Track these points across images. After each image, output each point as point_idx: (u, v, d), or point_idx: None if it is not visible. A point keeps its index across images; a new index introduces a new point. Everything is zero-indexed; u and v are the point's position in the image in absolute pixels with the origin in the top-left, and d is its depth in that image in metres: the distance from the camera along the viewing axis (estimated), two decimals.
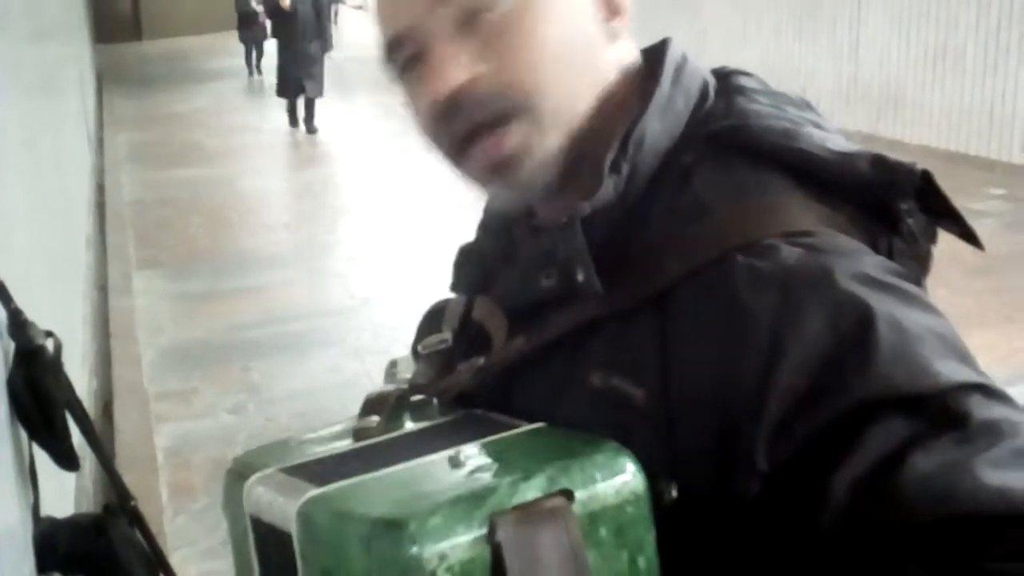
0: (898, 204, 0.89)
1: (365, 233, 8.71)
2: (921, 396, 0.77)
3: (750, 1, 12.43)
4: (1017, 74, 8.96)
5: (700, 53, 1.02)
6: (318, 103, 13.14)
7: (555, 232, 0.92)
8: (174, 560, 1.62)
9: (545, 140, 0.92)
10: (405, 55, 0.94)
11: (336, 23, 17.61)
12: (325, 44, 13.19)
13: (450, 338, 1.04)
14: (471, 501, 0.76)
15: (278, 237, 8.57)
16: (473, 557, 0.75)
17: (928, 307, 0.84)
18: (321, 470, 0.87)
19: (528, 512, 0.77)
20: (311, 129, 13.14)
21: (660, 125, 0.93)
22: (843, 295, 0.81)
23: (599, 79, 0.95)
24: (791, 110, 0.97)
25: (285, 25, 12.83)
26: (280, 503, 0.85)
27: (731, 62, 1.04)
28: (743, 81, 0.99)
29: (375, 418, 0.96)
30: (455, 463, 0.83)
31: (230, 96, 16.60)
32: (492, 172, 0.94)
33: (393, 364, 1.14)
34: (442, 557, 0.74)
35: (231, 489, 0.92)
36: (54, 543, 1.31)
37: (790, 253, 0.83)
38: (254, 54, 18.53)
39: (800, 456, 0.79)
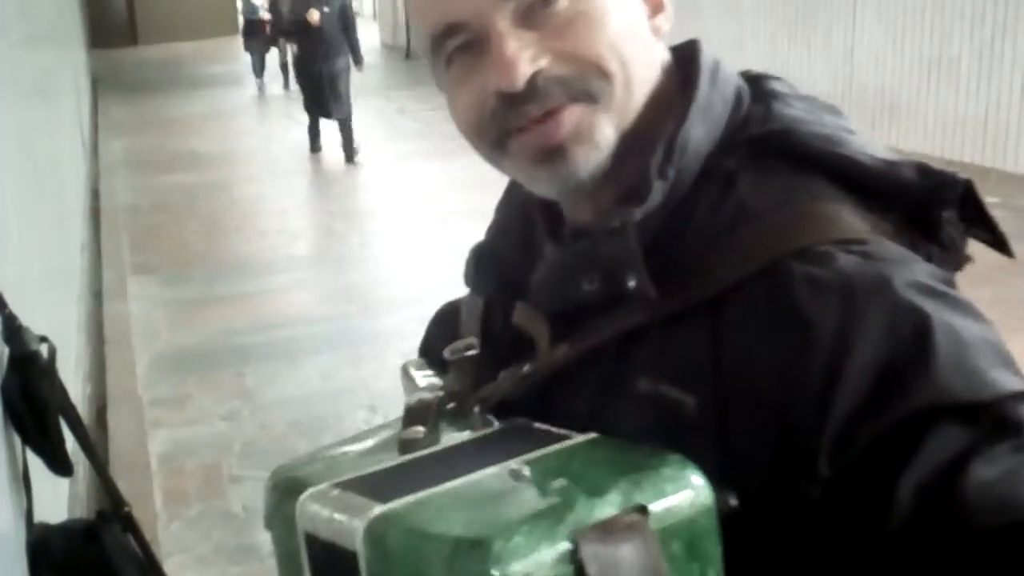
0: (940, 213, 0.89)
1: (360, 240, 8.71)
2: (978, 404, 0.78)
3: (747, 8, 12.45)
4: (1011, 83, 8.98)
5: None
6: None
7: (600, 236, 0.91)
8: (168, 567, 1.62)
9: (602, 125, 0.91)
10: (456, 44, 0.92)
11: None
12: (357, 57, 11.84)
13: (477, 343, 1.02)
14: (552, 518, 0.75)
15: (273, 243, 8.57)
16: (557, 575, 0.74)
17: (978, 315, 0.85)
18: (379, 485, 0.85)
19: (609, 529, 0.76)
20: (350, 157, 11.68)
21: (702, 129, 0.93)
22: (902, 303, 0.81)
23: (651, 73, 0.94)
24: (825, 116, 0.97)
25: (309, 40, 11.47)
26: (342, 520, 0.82)
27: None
28: (776, 85, 0.99)
29: (420, 428, 0.93)
30: (519, 477, 0.81)
31: (226, 102, 16.61)
32: (543, 158, 0.92)
33: (406, 369, 1.13)
34: None
35: (280, 505, 0.90)
36: (47, 549, 1.30)
37: (847, 260, 0.83)
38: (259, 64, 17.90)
39: (862, 461, 0.79)
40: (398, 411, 1.00)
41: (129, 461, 4.64)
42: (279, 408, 5.32)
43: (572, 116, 0.90)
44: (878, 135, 10.37)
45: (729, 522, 0.81)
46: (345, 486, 0.86)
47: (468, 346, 1.02)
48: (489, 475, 0.82)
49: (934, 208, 0.89)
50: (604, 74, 0.90)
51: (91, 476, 3.64)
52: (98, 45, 22.34)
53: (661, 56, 0.97)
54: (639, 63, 0.92)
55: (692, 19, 13.23)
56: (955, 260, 0.92)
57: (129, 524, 1.29)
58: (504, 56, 0.88)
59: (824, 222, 0.87)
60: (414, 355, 1.20)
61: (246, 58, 18.36)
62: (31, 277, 3.29)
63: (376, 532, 0.79)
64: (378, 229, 9.00)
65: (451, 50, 0.92)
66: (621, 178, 0.92)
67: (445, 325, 1.18)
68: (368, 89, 15.90)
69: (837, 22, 10.99)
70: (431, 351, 1.16)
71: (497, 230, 1.12)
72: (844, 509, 0.80)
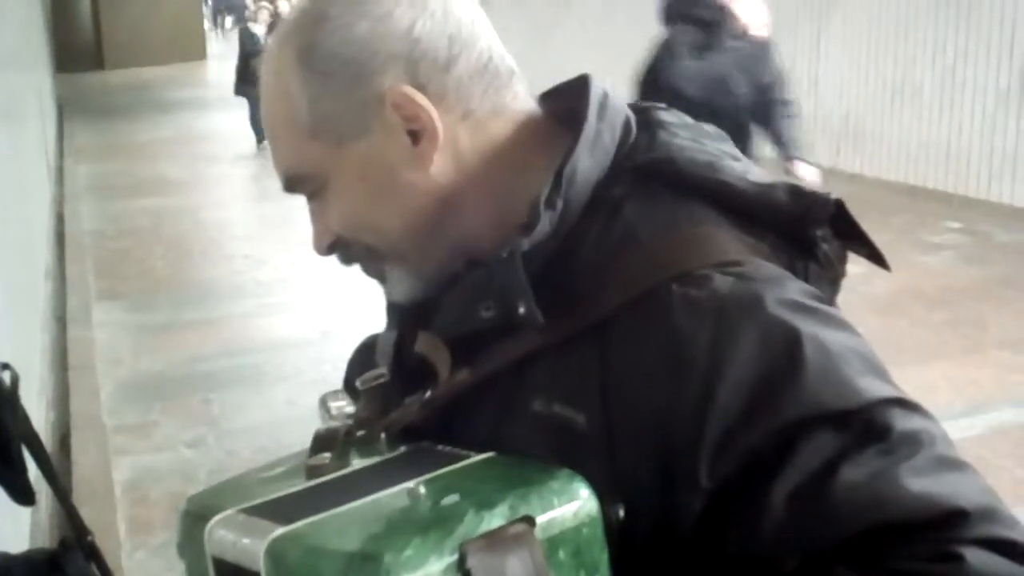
0: (814, 231, 0.95)
1: (325, 265, 8.66)
2: (847, 412, 0.84)
3: None
4: (973, 109, 9.09)
5: None
6: None
7: (494, 264, 0.96)
8: None
9: (391, 268, 1.04)
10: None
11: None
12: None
13: (387, 372, 1.07)
14: (440, 531, 0.79)
15: (238, 268, 8.53)
16: None
17: (847, 327, 0.91)
18: (282, 509, 0.88)
19: (495, 539, 0.80)
20: None
21: (590, 160, 0.97)
22: (773, 320, 0.87)
23: (409, 205, 1.00)
24: (709, 143, 1.02)
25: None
26: (246, 543, 0.86)
27: None
28: (662, 115, 1.03)
29: (326, 455, 0.97)
30: (415, 495, 0.86)
31: (193, 127, 16.53)
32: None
33: (324, 399, 1.16)
34: None
35: (190, 531, 0.93)
36: None
37: (722, 282, 0.89)
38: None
39: (739, 472, 0.84)
40: None
41: (93, 489, 4.59)
42: (245, 435, 5.28)
43: (369, 267, 1.07)
44: (843, 161, 10.48)
45: (622, 532, 0.87)
46: (251, 511, 0.90)
47: (379, 375, 1.06)
48: (388, 495, 0.87)
49: (808, 227, 0.95)
50: (366, 241, 1.02)
51: (54, 505, 3.61)
52: (64, 69, 22.20)
53: (428, 177, 0.99)
54: (397, 211, 1.00)
55: None
56: (832, 275, 0.98)
57: (93, 553, 1.27)
58: (312, 226, 1.05)
59: (703, 246, 0.92)
60: None
61: (215, 82, 18.20)
62: None
63: (276, 551, 0.83)
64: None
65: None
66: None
67: (364, 357, 1.22)
68: None
69: (802, 50, 11.10)
70: (350, 383, 1.20)
71: None
72: (724, 519, 0.85)
